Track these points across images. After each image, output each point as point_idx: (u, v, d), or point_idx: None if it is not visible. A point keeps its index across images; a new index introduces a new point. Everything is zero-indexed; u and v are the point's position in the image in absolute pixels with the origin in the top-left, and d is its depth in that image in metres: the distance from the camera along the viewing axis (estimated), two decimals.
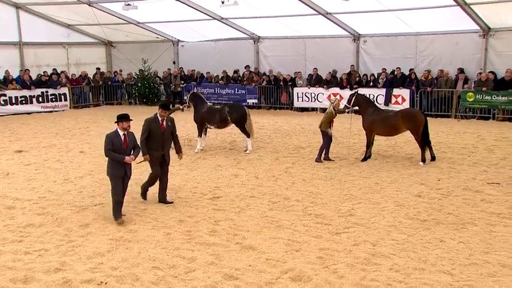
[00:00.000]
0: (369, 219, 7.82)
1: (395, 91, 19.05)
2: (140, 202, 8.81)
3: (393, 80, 19.34)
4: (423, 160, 11.34)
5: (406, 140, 13.56)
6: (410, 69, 19.13)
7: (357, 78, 20.09)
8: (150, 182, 8.80)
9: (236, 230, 7.43)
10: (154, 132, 8.42)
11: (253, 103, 21.90)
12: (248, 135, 13.13)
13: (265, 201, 8.87)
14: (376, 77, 19.82)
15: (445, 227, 7.40)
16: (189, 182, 10.28)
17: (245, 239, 7.08)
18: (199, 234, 7.25)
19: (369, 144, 11.99)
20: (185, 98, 15.05)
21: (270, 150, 13.28)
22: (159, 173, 8.62)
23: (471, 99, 17.60)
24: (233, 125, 13.24)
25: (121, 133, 7.65)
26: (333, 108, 11.94)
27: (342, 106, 13.05)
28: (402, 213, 8.10)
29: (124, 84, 24.57)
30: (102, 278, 5.89)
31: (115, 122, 7.75)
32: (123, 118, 7.66)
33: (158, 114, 8.53)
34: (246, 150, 13.06)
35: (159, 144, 8.50)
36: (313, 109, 21.06)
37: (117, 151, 7.58)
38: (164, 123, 8.55)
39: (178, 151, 8.98)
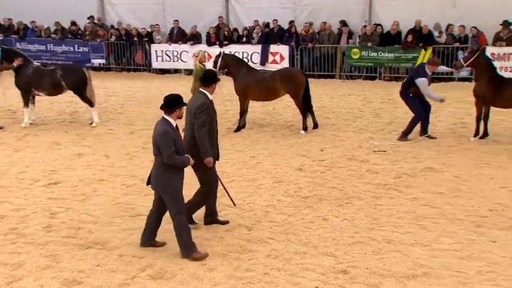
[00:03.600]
0: (244, 200, 8.04)
1: (273, 48, 19.59)
2: None
3: (269, 35, 19.82)
4: (305, 128, 11.89)
5: (285, 105, 14.09)
6: (291, 22, 19.72)
7: (226, 33, 20.23)
8: (204, 198, 7.11)
9: (80, 223, 7.29)
10: (212, 121, 6.84)
11: (100, 64, 21.22)
12: (91, 104, 12.67)
13: (117, 185, 8.80)
14: (249, 31, 20.15)
15: (329, 204, 7.88)
16: (15, 165, 9.85)
17: (92, 233, 6.95)
18: (30, 232, 6.97)
19: (243, 111, 12.24)
20: None
21: (124, 122, 13.13)
22: (217, 182, 7.15)
23: (356, 57, 18.77)
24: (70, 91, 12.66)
25: (174, 124, 6.19)
26: (200, 63, 11.95)
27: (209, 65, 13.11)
28: (281, 190, 8.45)
29: None
30: None
31: (167, 109, 6.12)
32: (181, 102, 6.20)
33: (208, 93, 6.84)
34: (92, 123, 12.67)
35: (215, 138, 7.00)
36: (176, 71, 20.96)
37: (177, 152, 6.17)
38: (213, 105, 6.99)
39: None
